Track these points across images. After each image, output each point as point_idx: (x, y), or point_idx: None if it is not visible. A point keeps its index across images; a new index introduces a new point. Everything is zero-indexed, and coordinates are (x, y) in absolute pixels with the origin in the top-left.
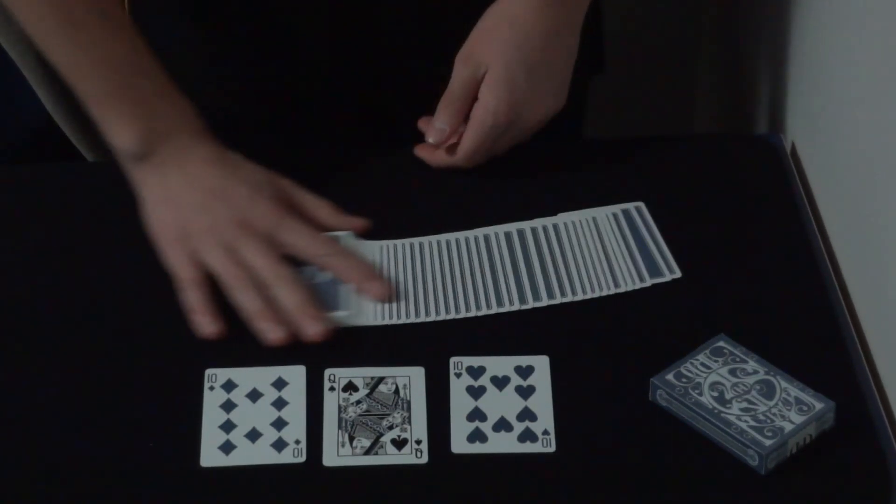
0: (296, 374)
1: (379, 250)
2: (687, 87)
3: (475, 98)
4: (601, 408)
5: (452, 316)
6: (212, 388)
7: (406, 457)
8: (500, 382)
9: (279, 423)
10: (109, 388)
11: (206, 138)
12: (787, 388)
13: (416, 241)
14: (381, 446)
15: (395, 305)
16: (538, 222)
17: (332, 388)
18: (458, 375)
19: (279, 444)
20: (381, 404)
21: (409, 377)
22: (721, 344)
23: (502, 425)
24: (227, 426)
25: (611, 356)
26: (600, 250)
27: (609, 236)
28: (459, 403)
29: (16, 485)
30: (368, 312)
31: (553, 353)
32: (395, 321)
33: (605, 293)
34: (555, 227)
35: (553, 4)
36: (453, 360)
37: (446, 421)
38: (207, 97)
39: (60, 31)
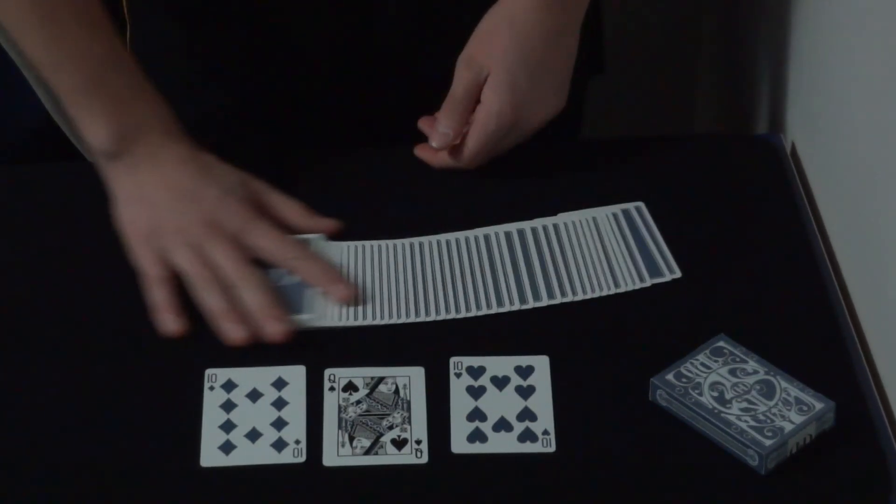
0: (296, 374)
1: (346, 251)
2: (687, 87)
3: (477, 101)
4: (601, 408)
5: (452, 316)
6: (212, 388)
7: (406, 457)
8: (500, 382)
9: (279, 423)
10: (109, 388)
11: (179, 138)
12: (787, 388)
13: (416, 240)
14: (381, 446)
15: (366, 307)
16: (538, 222)
17: (332, 388)
18: (458, 375)
19: (279, 444)
20: (381, 404)
21: (409, 377)
22: (721, 344)
23: (502, 425)
24: (227, 426)
25: (611, 356)
26: (600, 250)
27: (609, 236)
28: (459, 403)
29: (16, 485)
30: (333, 315)
31: (553, 353)
32: (393, 321)
33: (605, 293)
34: (555, 227)
35: (553, 6)
36: (453, 360)
37: (446, 421)
38: (206, 97)
39: (40, 27)
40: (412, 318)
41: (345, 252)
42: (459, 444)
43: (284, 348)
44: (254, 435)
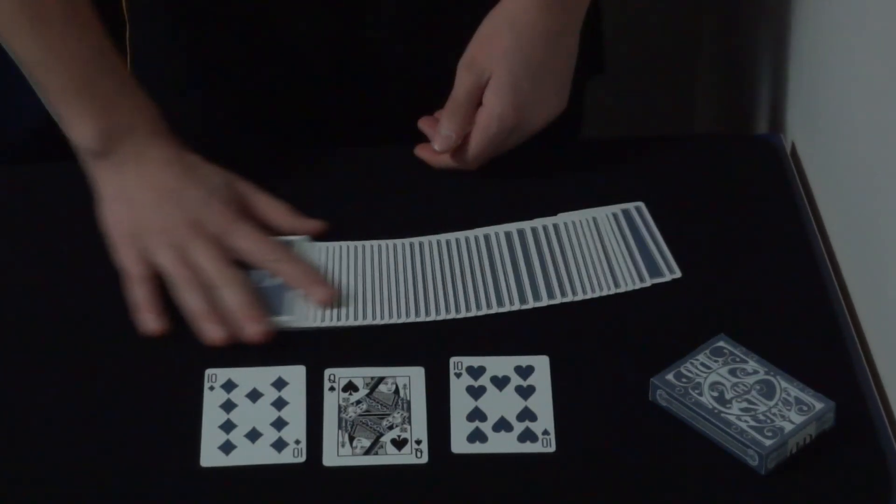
0: (296, 374)
1: (328, 251)
2: (687, 87)
3: (479, 103)
4: (601, 408)
5: (452, 316)
6: (212, 388)
7: (406, 457)
8: (500, 382)
9: (279, 423)
10: (109, 388)
11: (165, 139)
12: (787, 388)
13: (415, 240)
14: (381, 446)
15: (366, 307)
16: (538, 222)
17: (332, 388)
18: (458, 375)
19: (279, 444)
20: (381, 404)
21: (409, 377)
22: (721, 344)
23: (502, 425)
24: (227, 426)
25: (611, 356)
26: (600, 250)
27: (609, 236)
28: (459, 403)
29: (16, 485)
30: (314, 316)
31: (553, 353)
32: (393, 321)
33: (605, 293)
34: (555, 227)
35: (553, 7)
36: (453, 360)
37: (446, 421)
38: (207, 97)
39: (28, 26)
40: (412, 318)
41: (330, 252)
42: (459, 444)
43: (284, 348)
44: (254, 435)
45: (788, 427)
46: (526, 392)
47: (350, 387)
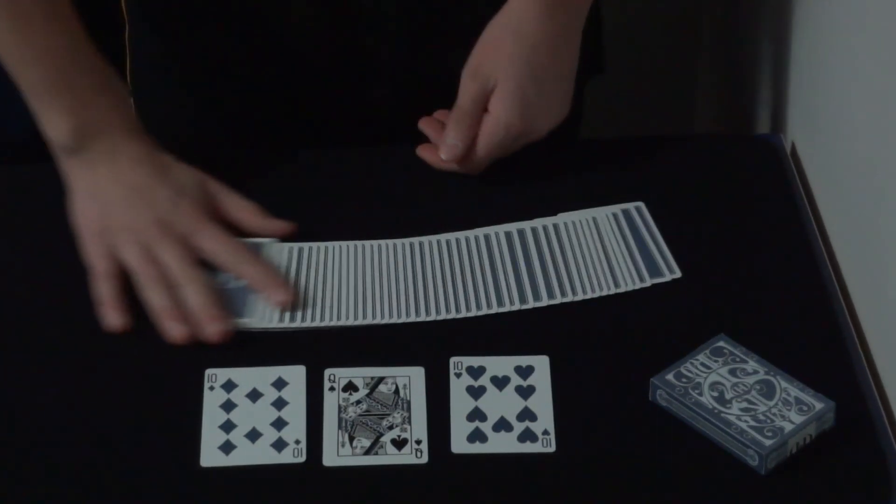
0: (296, 374)
1: (289, 252)
2: (687, 87)
3: (485, 110)
4: (601, 408)
5: (452, 316)
6: (212, 388)
7: (406, 457)
8: (500, 382)
9: (279, 423)
10: (109, 389)
11: (139, 137)
12: (787, 388)
13: (415, 240)
14: (381, 446)
15: (366, 307)
16: (538, 222)
17: (332, 388)
18: (458, 375)
19: (279, 444)
20: (381, 404)
21: (409, 377)
22: (721, 344)
23: (502, 425)
24: (227, 426)
25: (611, 356)
26: (600, 250)
27: (609, 236)
28: (459, 403)
29: (16, 485)
30: (275, 318)
31: (553, 353)
32: (393, 321)
33: (605, 293)
34: (555, 227)
35: (556, 13)
36: (453, 360)
37: (446, 421)
38: (206, 97)
39: (6, 21)
40: (412, 318)
41: (293, 253)
42: (459, 444)
43: (284, 348)
44: (254, 435)
45: (788, 427)
46: (526, 392)
47: (350, 387)
